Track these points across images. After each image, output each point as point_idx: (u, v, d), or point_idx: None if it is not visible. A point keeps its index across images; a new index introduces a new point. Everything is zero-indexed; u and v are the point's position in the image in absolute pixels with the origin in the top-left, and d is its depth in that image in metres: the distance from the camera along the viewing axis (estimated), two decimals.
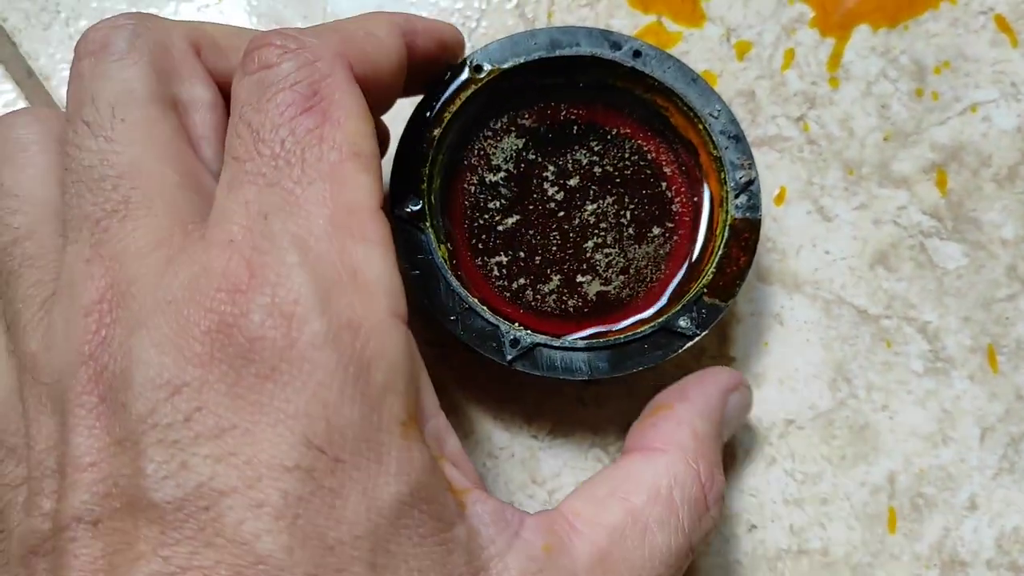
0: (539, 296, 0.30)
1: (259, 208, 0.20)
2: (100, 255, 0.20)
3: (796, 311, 0.34)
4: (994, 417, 0.33)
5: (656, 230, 0.31)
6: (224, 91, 0.24)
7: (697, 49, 0.36)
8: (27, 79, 0.35)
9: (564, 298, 0.30)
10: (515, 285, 0.30)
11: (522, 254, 0.31)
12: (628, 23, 0.36)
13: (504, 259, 0.31)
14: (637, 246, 0.31)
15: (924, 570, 0.32)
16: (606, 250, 0.31)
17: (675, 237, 0.31)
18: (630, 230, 0.31)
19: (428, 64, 0.28)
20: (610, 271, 0.31)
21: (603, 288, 0.31)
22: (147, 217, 0.20)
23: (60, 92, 0.35)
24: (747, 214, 0.30)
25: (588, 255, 0.31)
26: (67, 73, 0.34)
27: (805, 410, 0.33)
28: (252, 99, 0.21)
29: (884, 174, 0.35)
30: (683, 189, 0.31)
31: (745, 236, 0.29)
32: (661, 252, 0.31)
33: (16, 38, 0.35)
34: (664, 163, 0.32)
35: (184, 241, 0.20)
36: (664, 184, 0.31)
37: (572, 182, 0.31)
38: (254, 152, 0.20)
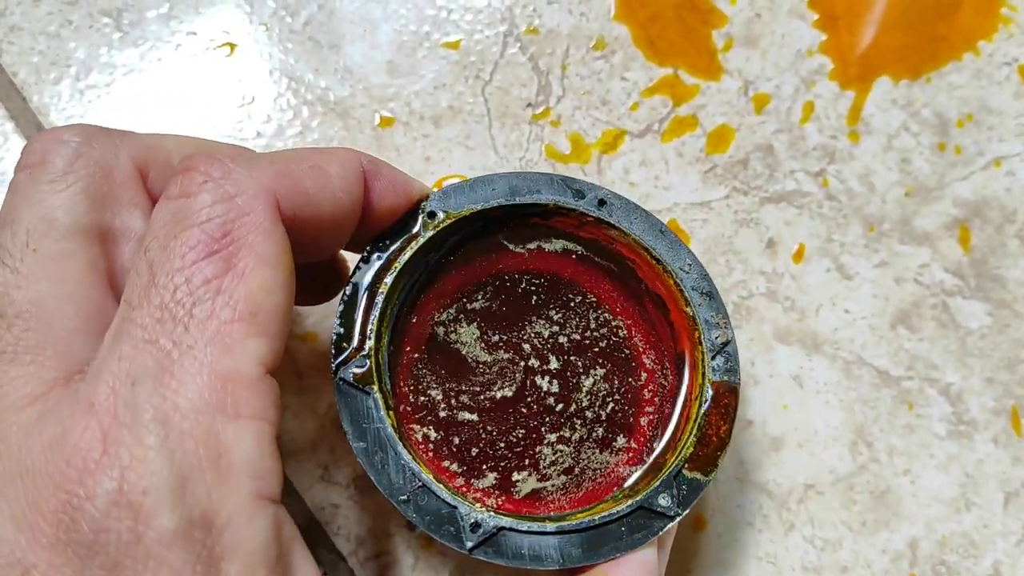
0: (498, 477, 0.27)
1: (130, 370, 0.18)
2: None
3: (815, 372, 0.33)
4: (1018, 481, 0.33)
5: (621, 399, 0.28)
6: None
7: (714, 102, 0.36)
8: (37, 134, 0.34)
9: (528, 478, 0.28)
10: (468, 459, 0.27)
11: (467, 434, 0.28)
12: (644, 76, 0.36)
13: (453, 436, 0.28)
14: (600, 417, 0.28)
15: None
16: (559, 442, 0.28)
17: (644, 404, 0.28)
18: (591, 399, 0.28)
19: (387, 215, 0.26)
20: (558, 463, 0.28)
21: (542, 484, 0.28)
22: (33, 364, 0.20)
23: None
24: (725, 377, 0.27)
25: (537, 443, 0.28)
26: None
27: (825, 474, 0.33)
28: (161, 231, 0.20)
29: (906, 231, 0.35)
30: (652, 351, 0.29)
31: (724, 402, 0.27)
32: (627, 422, 0.28)
33: (26, 92, 0.35)
34: (630, 322, 0.29)
35: (63, 393, 0.19)
36: (629, 348, 0.29)
37: (532, 344, 0.28)
38: (144, 298, 0.19)
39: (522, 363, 0.28)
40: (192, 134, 0.34)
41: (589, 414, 0.28)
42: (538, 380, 0.28)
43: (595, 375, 0.28)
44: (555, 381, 0.28)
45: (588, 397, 0.28)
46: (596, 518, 0.25)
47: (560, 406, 0.28)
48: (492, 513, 0.25)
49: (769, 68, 0.36)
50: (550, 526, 0.25)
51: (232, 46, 0.36)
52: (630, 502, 0.25)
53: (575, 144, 0.35)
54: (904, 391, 0.33)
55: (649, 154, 0.35)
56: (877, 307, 0.34)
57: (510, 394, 0.28)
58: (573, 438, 0.28)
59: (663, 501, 0.26)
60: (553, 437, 0.28)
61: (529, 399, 0.28)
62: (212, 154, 0.21)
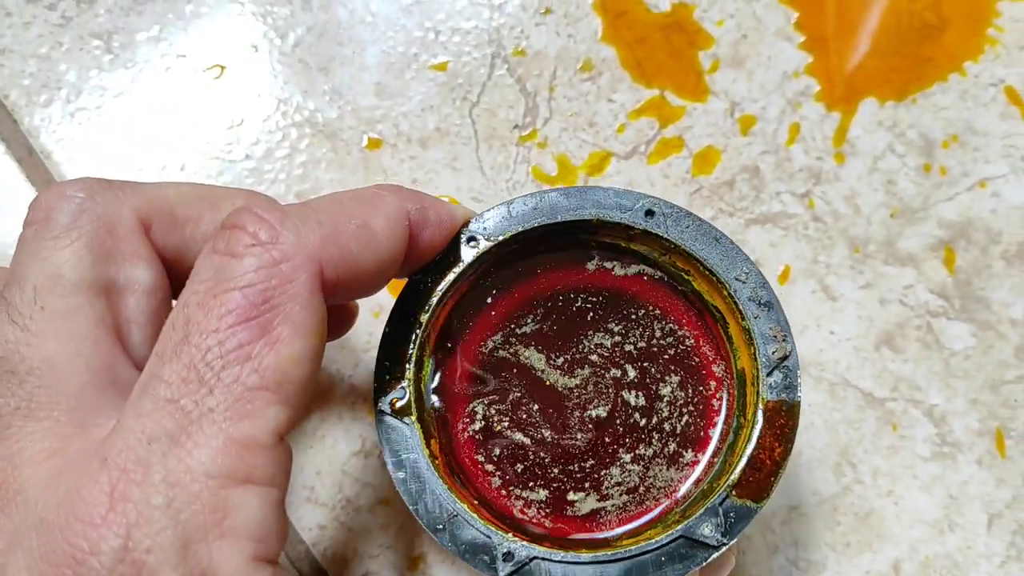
0: (537, 501, 0.27)
1: (147, 428, 0.19)
2: None
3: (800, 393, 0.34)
4: (1002, 503, 0.33)
5: (676, 416, 0.27)
6: (171, 267, 0.23)
7: (701, 124, 0.36)
8: (28, 157, 0.35)
9: (569, 501, 0.27)
10: (511, 486, 0.27)
11: (521, 453, 0.27)
12: (630, 97, 0.36)
13: (499, 458, 0.27)
14: (654, 435, 0.27)
15: None
16: (618, 463, 0.27)
17: (699, 421, 0.27)
18: (645, 416, 0.27)
19: (431, 253, 0.26)
20: (617, 483, 0.27)
21: (605, 498, 0.27)
22: (48, 420, 0.20)
23: (61, 169, 0.35)
24: (783, 395, 0.25)
25: (592, 464, 0.27)
26: (68, 149, 0.34)
27: (809, 496, 0.33)
28: (202, 287, 0.20)
29: (891, 252, 0.35)
30: (719, 362, 0.28)
31: (781, 423, 0.25)
32: (682, 439, 0.27)
33: (17, 115, 0.35)
34: (696, 333, 0.28)
35: (81, 447, 0.20)
36: (688, 359, 0.28)
37: (580, 374, 0.28)
38: (175, 355, 0.19)
39: (602, 380, 0.28)
40: (181, 153, 0.34)
41: (667, 426, 0.27)
42: (624, 395, 0.27)
43: (671, 383, 0.27)
44: (639, 394, 0.27)
45: (668, 407, 0.27)
46: (633, 548, 0.24)
47: (644, 420, 0.27)
48: (525, 543, 0.25)
49: (755, 89, 0.36)
50: (584, 555, 0.25)
51: (221, 68, 0.36)
52: (672, 530, 0.25)
53: (562, 166, 0.36)
54: (888, 412, 0.33)
55: (635, 176, 0.35)
56: (862, 328, 0.34)
57: (604, 414, 0.27)
58: (647, 454, 0.27)
59: (706, 530, 0.25)
60: (627, 456, 0.27)
61: (581, 420, 0.28)
62: (262, 213, 0.21)
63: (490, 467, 0.27)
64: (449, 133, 0.36)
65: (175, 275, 0.23)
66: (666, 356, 0.28)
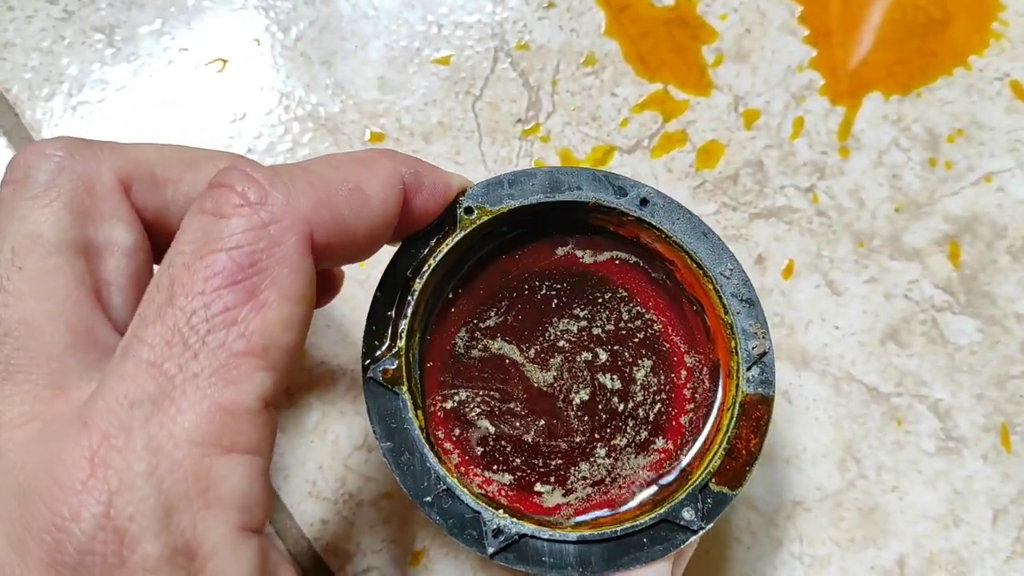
0: (526, 478, 0.27)
1: (130, 392, 0.18)
2: None
3: (804, 388, 0.33)
4: (1007, 498, 0.33)
5: (655, 402, 0.28)
6: (152, 230, 0.23)
7: (704, 118, 0.36)
8: (22, 149, 0.35)
9: (549, 483, 0.27)
10: (498, 461, 0.27)
11: (507, 429, 0.28)
12: (634, 91, 0.36)
13: (484, 434, 0.27)
14: (633, 419, 0.28)
15: None
16: (602, 422, 0.28)
17: (677, 409, 0.28)
18: (625, 401, 0.28)
19: (425, 219, 0.25)
20: (603, 456, 0.28)
21: (589, 482, 0.27)
22: (27, 383, 0.19)
23: None
24: (760, 389, 0.26)
25: (578, 428, 0.28)
26: None
27: (813, 491, 0.33)
28: (188, 248, 0.19)
29: (895, 246, 0.35)
30: (686, 356, 0.28)
31: (757, 415, 0.26)
32: (660, 425, 0.28)
33: (18, 108, 0.35)
34: (666, 320, 0.28)
35: (61, 409, 0.19)
36: (668, 343, 0.28)
37: (567, 343, 0.28)
38: (158, 317, 0.19)
39: (579, 362, 0.28)
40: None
41: (640, 412, 0.28)
42: (577, 371, 0.28)
43: (644, 367, 0.28)
44: (614, 377, 0.28)
45: (642, 392, 0.28)
46: (618, 529, 0.25)
47: (621, 404, 0.28)
48: (514, 521, 0.25)
49: (759, 83, 0.36)
50: (571, 535, 0.25)
51: (224, 62, 0.36)
52: (653, 514, 0.25)
53: (565, 159, 0.35)
54: (893, 407, 0.33)
55: (639, 170, 0.35)
56: (867, 323, 0.34)
57: (586, 396, 0.28)
58: (624, 440, 0.28)
59: (687, 514, 0.25)
60: (607, 440, 0.28)
61: (562, 399, 0.28)
62: (251, 172, 0.20)
63: (469, 444, 0.27)
64: (452, 127, 0.36)
65: (155, 238, 0.23)
66: (637, 340, 0.28)
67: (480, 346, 0.28)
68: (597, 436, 0.28)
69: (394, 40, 0.36)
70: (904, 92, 0.36)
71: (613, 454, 0.28)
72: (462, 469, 0.27)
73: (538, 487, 0.27)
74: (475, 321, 0.28)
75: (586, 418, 0.28)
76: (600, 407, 0.28)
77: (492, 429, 0.27)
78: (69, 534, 0.17)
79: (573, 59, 0.36)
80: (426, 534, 0.32)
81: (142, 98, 0.35)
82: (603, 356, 0.28)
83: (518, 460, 0.27)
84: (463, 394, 0.28)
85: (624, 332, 0.28)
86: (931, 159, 0.36)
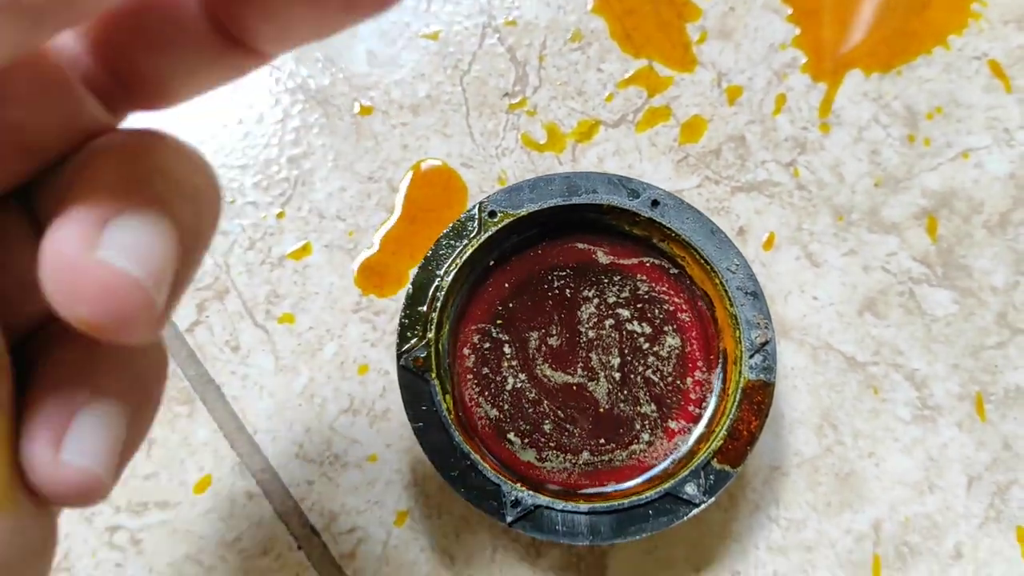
0: (549, 454, 0.30)
1: None
2: None
3: (783, 357, 0.34)
4: (981, 465, 0.33)
5: (665, 386, 0.30)
6: None
7: (688, 93, 0.37)
8: None
9: (564, 458, 0.30)
10: (519, 439, 0.30)
11: (527, 410, 0.30)
12: (619, 67, 0.37)
13: (509, 413, 0.30)
14: (645, 401, 0.30)
15: None
16: (616, 403, 0.30)
17: (686, 392, 0.30)
18: (638, 384, 0.30)
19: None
20: (614, 435, 0.30)
21: (602, 457, 0.30)
22: None
23: None
24: (761, 376, 0.29)
25: (592, 406, 0.30)
26: None
27: (790, 456, 0.33)
28: None
29: (874, 220, 0.35)
30: (698, 343, 0.31)
31: (758, 400, 0.28)
32: (670, 407, 0.30)
33: None
34: (679, 316, 0.31)
35: None
36: (678, 336, 0.31)
37: (586, 332, 0.30)
38: None
39: (580, 338, 0.31)
40: (173, 122, 0.34)
41: (656, 393, 0.30)
42: (594, 356, 0.31)
43: (660, 353, 0.31)
44: (610, 357, 0.31)
45: (657, 375, 0.30)
46: (626, 502, 0.27)
47: (610, 383, 0.30)
48: (530, 493, 0.27)
49: (743, 61, 0.37)
50: (583, 506, 0.27)
51: None
52: (659, 488, 0.27)
53: (551, 133, 0.36)
54: (870, 376, 0.34)
55: (623, 143, 0.36)
56: (845, 294, 0.35)
57: (569, 369, 0.31)
58: (639, 417, 0.30)
59: (690, 489, 0.28)
60: (613, 406, 0.30)
61: (582, 378, 0.30)
62: None
63: (496, 421, 0.30)
64: (440, 100, 0.36)
65: None
66: (653, 329, 0.31)
67: (506, 335, 0.30)
68: (615, 417, 0.30)
69: (384, 15, 0.37)
70: (884, 70, 0.37)
71: (629, 434, 0.30)
72: (487, 444, 0.29)
73: (555, 462, 0.30)
74: (501, 313, 0.31)
75: (605, 398, 0.30)
76: (619, 390, 0.30)
77: (518, 406, 0.30)
78: None
79: (560, 35, 0.37)
80: (410, 495, 0.32)
81: None
82: (620, 346, 0.31)
83: (540, 435, 0.30)
84: (490, 376, 0.30)
85: (642, 322, 0.31)
86: (910, 135, 0.36)
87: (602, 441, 0.30)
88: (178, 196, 0.14)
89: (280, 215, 0.35)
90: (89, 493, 0.14)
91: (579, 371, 0.30)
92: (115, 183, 0.13)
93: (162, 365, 0.16)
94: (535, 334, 0.30)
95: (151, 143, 0.14)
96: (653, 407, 0.30)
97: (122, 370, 0.15)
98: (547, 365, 0.30)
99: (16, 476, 0.14)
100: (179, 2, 0.14)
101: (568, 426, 0.30)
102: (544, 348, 0.30)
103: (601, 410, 0.30)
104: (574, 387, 0.30)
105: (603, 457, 0.30)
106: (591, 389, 0.30)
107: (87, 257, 0.12)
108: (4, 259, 0.15)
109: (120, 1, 0.12)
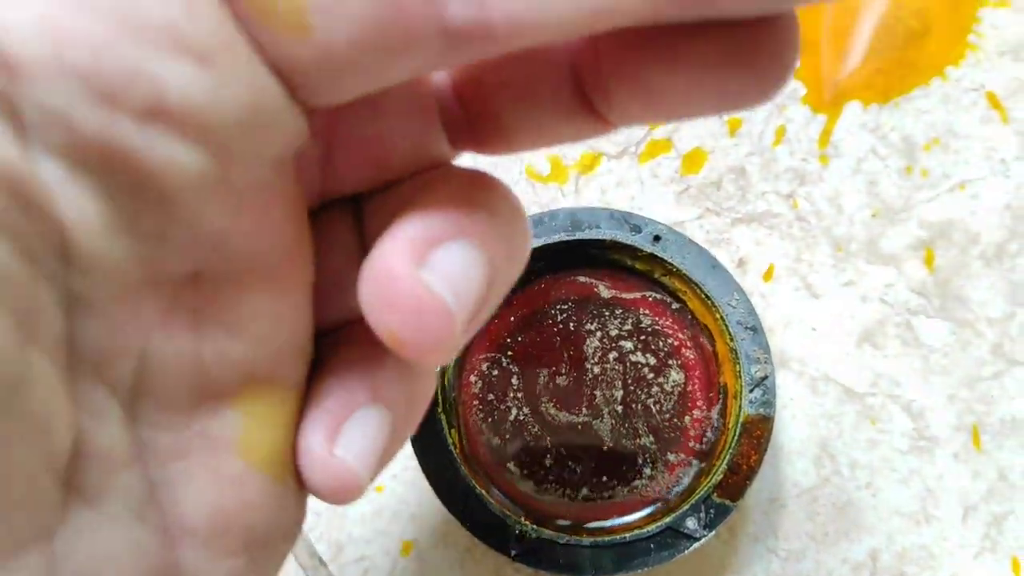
0: (547, 487, 0.30)
1: None
2: None
3: (782, 388, 0.35)
4: (977, 496, 0.34)
5: (668, 420, 0.31)
6: None
7: (688, 125, 0.37)
8: None
9: (572, 490, 0.30)
10: (519, 470, 0.30)
11: (529, 443, 0.30)
12: None
13: (510, 443, 0.30)
14: (648, 436, 0.31)
15: None
16: (618, 439, 0.30)
17: (687, 426, 0.31)
18: (641, 419, 0.31)
19: None
20: (616, 471, 0.30)
21: (603, 492, 0.30)
22: None
23: None
24: (761, 410, 0.29)
25: (596, 445, 0.30)
26: None
27: (789, 487, 0.34)
28: None
29: (872, 251, 0.36)
30: (699, 376, 0.31)
31: (757, 434, 0.29)
32: (672, 441, 0.31)
33: None
34: (681, 351, 0.31)
35: None
36: (680, 370, 0.31)
37: (588, 367, 0.31)
38: None
39: (584, 373, 0.31)
40: None
41: (657, 426, 0.31)
42: (598, 391, 0.31)
43: (662, 386, 0.31)
44: (613, 392, 0.31)
45: (658, 409, 0.31)
46: (628, 536, 0.28)
47: (613, 419, 0.31)
48: (535, 527, 0.28)
49: None
50: (586, 540, 0.28)
51: None
52: (661, 522, 0.28)
53: (554, 165, 0.37)
54: (868, 407, 0.35)
55: (625, 175, 0.37)
56: (843, 325, 0.35)
57: (572, 404, 0.31)
58: (640, 452, 0.31)
59: (690, 523, 0.28)
60: (624, 454, 0.31)
61: (585, 414, 0.31)
62: None
63: (499, 453, 0.30)
64: None
65: None
66: (655, 363, 0.31)
67: (515, 366, 0.31)
68: (617, 452, 0.30)
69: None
70: (883, 101, 0.37)
71: (631, 469, 0.30)
72: (495, 479, 0.30)
73: (553, 495, 0.30)
74: (505, 347, 0.31)
75: (608, 435, 0.31)
76: (622, 424, 0.31)
77: (522, 440, 0.30)
78: None
79: None
80: (415, 526, 0.33)
81: None
82: (623, 378, 0.31)
83: (539, 468, 0.30)
84: (495, 410, 0.31)
85: (645, 353, 0.31)
86: (907, 167, 0.37)
87: (604, 479, 0.30)
88: (499, 238, 0.14)
89: None
90: (348, 491, 0.15)
91: (584, 411, 0.31)
92: (449, 212, 0.13)
93: (431, 390, 0.17)
94: (544, 371, 0.31)
95: (486, 183, 0.15)
96: (654, 441, 0.30)
97: (402, 384, 0.16)
98: (552, 404, 0.31)
99: (291, 458, 0.15)
100: (552, 59, 0.14)
101: (570, 463, 0.30)
102: (552, 387, 0.31)
103: (605, 448, 0.30)
104: (579, 427, 0.31)
105: (604, 493, 0.30)
106: (595, 428, 0.31)
107: (411, 274, 0.13)
108: (326, 256, 0.16)
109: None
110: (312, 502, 0.33)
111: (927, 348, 0.35)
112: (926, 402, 0.35)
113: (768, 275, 0.36)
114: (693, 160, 0.37)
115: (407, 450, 0.33)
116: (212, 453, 0.14)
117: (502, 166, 0.36)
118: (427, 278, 0.13)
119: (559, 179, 0.36)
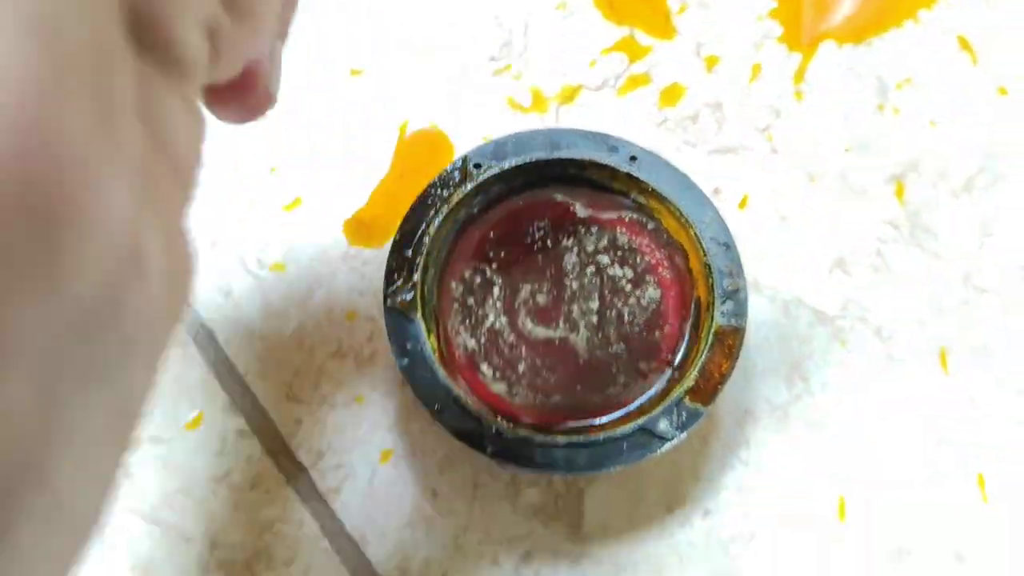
0: (520, 390, 0.31)
1: None
2: None
3: (755, 311, 0.35)
4: (944, 417, 0.35)
5: (642, 332, 0.31)
6: None
7: (667, 61, 0.38)
8: None
9: (544, 396, 0.31)
10: (499, 375, 0.31)
11: (506, 351, 0.31)
12: (602, 35, 0.38)
13: (485, 347, 0.31)
14: (622, 346, 0.31)
15: (875, 555, 0.33)
16: (593, 351, 0.31)
17: (661, 338, 0.31)
18: (616, 331, 0.31)
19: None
20: (592, 375, 0.31)
21: (577, 399, 0.31)
22: None
23: None
24: (732, 321, 0.30)
25: (571, 357, 0.31)
26: None
27: (761, 403, 0.35)
28: None
29: (844, 184, 0.37)
30: (673, 291, 0.32)
31: (729, 343, 0.30)
32: (646, 351, 0.31)
33: None
34: (657, 266, 0.32)
35: None
36: (655, 285, 0.32)
37: (566, 282, 0.32)
38: None
39: (560, 285, 0.32)
40: None
41: (633, 335, 0.31)
42: (576, 303, 0.32)
43: (639, 297, 0.32)
44: (590, 303, 0.32)
45: (636, 318, 0.32)
46: (601, 436, 0.29)
47: (590, 325, 0.32)
48: (510, 426, 0.29)
49: (721, 31, 0.39)
50: (560, 439, 0.29)
51: None
52: (634, 423, 0.29)
53: (535, 97, 0.38)
54: (838, 329, 0.35)
55: (605, 108, 0.38)
56: (815, 253, 0.36)
57: (550, 312, 0.32)
58: (615, 359, 0.31)
59: (663, 425, 0.29)
60: (592, 348, 0.31)
61: (563, 321, 0.32)
62: None
63: (477, 359, 0.31)
64: (429, 64, 0.38)
65: None
66: (632, 276, 0.32)
67: (488, 278, 0.32)
68: (592, 363, 0.31)
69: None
70: (857, 41, 0.39)
71: (606, 377, 0.31)
72: (469, 381, 0.31)
73: (525, 398, 0.31)
74: (484, 258, 0.32)
75: (584, 348, 0.31)
76: (596, 334, 0.31)
77: (495, 346, 0.31)
78: None
79: (546, 3, 0.39)
80: (393, 435, 0.34)
81: None
82: (600, 290, 0.32)
83: (512, 372, 0.31)
84: (473, 314, 0.31)
85: (623, 267, 0.32)
86: (880, 104, 0.38)
87: (578, 387, 0.31)
88: None
89: (272, 170, 0.37)
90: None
91: (560, 325, 0.31)
92: None
93: None
94: (524, 285, 0.32)
95: None
96: (629, 352, 0.31)
97: None
98: (530, 319, 0.31)
99: None
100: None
101: (544, 373, 0.31)
102: (531, 303, 0.31)
103: (581, 361, 0.31)
104: (556, 341, 0.31)
105: (577, 399, 0.31)
106: (572, 341, 0.31)
107: None
108: None
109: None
110: (294, 411, 0.34)
111: (897, 275, 0.36)
112: (895, 326, 0.35)
113: (743, 204, 0.37)
114: (671, 94, 0.38)
115: (387, 361, 0.34)
116: None
117: (483, 97, 0.37)
118: None
119: (540, 109, 0.38)
